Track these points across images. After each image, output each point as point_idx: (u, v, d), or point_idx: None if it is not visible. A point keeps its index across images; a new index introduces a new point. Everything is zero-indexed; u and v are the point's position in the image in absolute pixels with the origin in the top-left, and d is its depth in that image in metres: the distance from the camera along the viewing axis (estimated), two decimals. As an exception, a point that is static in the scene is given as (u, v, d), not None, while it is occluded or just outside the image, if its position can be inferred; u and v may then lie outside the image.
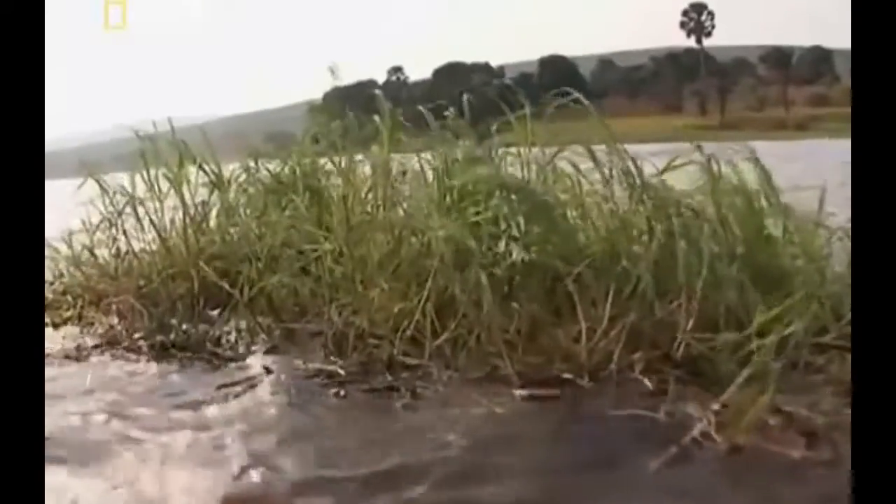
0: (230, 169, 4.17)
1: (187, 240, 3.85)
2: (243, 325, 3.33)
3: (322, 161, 3.94)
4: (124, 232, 3.97)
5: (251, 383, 2.69)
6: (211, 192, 4.04)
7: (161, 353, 3.17)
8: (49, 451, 1.81)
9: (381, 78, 61.02)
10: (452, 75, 53.91)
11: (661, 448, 1.86)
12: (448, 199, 3.09)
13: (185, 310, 3.54)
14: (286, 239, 3.53)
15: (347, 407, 2.45)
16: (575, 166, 3.11)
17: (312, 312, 3.25)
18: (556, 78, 53.05)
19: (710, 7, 65.21)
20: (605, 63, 66.30)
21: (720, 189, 2.77)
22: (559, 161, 3.15)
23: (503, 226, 2.94)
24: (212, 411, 2.42)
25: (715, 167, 2.85)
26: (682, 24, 65.48)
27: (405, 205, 3.33)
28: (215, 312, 3.52)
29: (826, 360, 2.34)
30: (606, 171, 2.84)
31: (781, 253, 2.85)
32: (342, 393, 2.55)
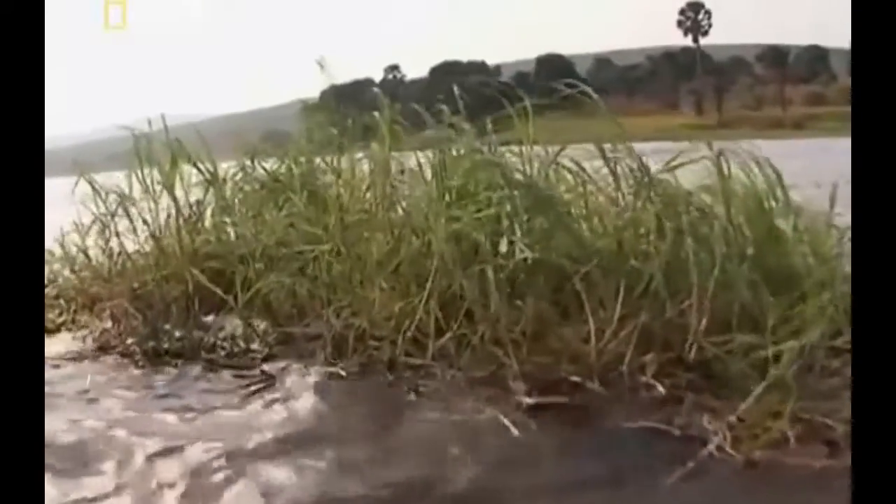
0: (226, 167, 4.10)
1: (181, 240, 3.76)
2: (239, 331, 3.25)
3: (318, 160, 3.88)
4: (117, 233, 3.88)
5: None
6: (206, 191, 3.97)
7: (154, 359, 3.10)
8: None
9: (377, 76, 60.94)
10: (449, 74, 53.81)
11: (674, 464, 1.78)
12: (448, 196, 3.02)
13: (179, 313, 3.46)
14: (282, 238, 3.46)
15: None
16: (578, 164, 3.04)
17: (312, 315, 3.18)
18: (552, 77, 52.93)
19: (707, 6, 65.26)
20: (602, 62, 66.29)
21: (729, 188, 2.69)
22: (560, 159, 3.09)
23: (505, 223, 2.87)
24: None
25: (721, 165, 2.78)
26: (679, 23, 65.50)
27: (404, 203, 3.26)
28: (210, 318, 3.43)
29: (842, 363, 2.27)
30: (613, 169, 2.75)
31: (792, 252, 2.79)
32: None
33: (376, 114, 3.40)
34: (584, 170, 3.01)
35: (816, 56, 64.32)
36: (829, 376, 2.21)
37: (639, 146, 2.96)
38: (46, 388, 2.37)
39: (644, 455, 1.87)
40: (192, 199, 3.98)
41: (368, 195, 3.43)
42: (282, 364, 2.94)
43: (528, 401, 2.13)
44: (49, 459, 1.97)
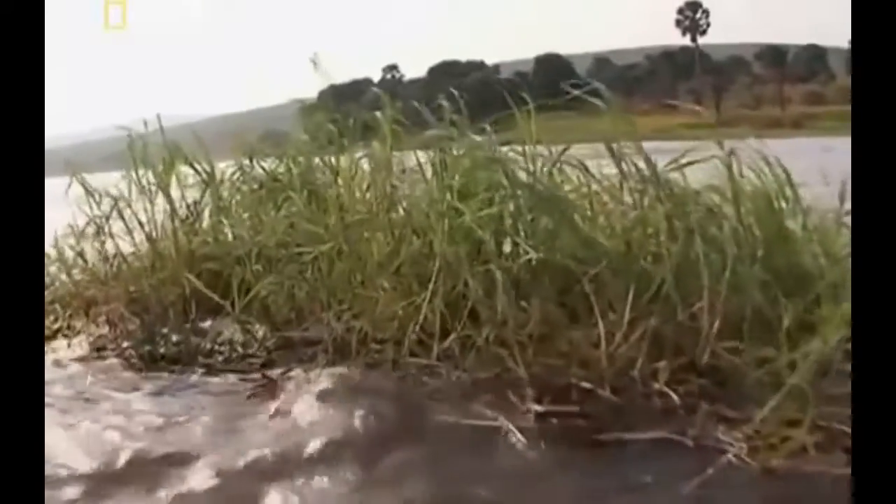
0: (224, 167, 4.04)
1: (177, 241, 3.69)
2: (237, 336, 3.19)
3: (317, 160, 3.82)
4: (111, 235, 3.80)
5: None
6: (203, 192, 3.90)
7: (151, 364, 3.04)
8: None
9: (376, 76, 60.91)
10: (448, 74, 53.78)
11: (690, 477, 1.72)
12: (449, 196, 2.96)
13: (176, 316, 3.39)
14: (281, 239, 3.40)
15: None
16: (582, 163, 2.98)
17: (311, 319, 3.12)
18: (551, 76, 53.03)
19: (705, 5, 65.32)
20: (601, 61, 66.35)
21: (739, 187, 2.63)
22: (563, 158, 3.02)
23: (508, 222, 2.81)
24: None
25: (728, 165, 2.71)
26: (678, 23, 65.58)
27: (404, 203, 3.20)
28: (207, 324, 3.37)
29: (857, 367, 2.20)
30: (621, 167, 2.68)
31: (802, 253, 2.72)
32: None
33: (378, 113, 3.34)
34: (587, 169, 2.95)
35: (815, 55, 64.47)
36: (846, 381, 2.15)
37: (637, 145, 2.90)
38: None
39: (657, 468, 1.80)
40: (190, 200, 3.92)
41: (369, 195, 3.37)
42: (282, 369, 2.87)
43: (538, 408, 2.05)
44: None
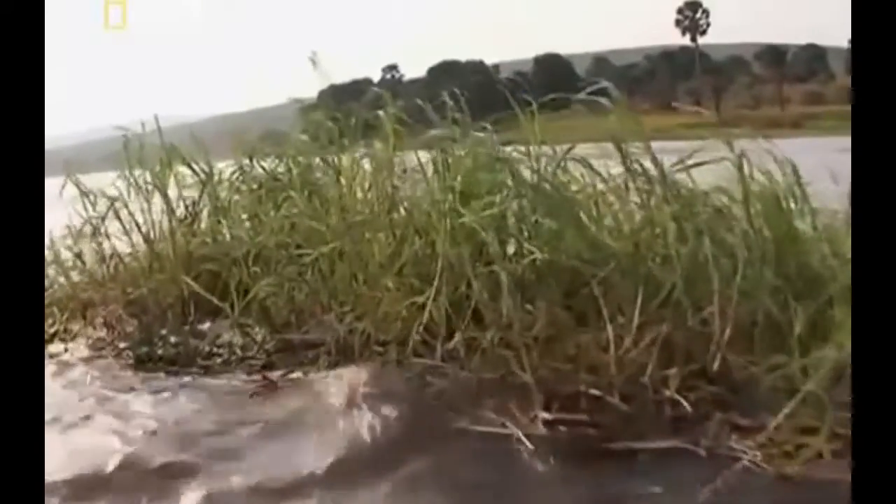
0: (223, 167, 3.99)
1: (174, 242, 3.64)
2: (237, 339, 3.14)
3: (317, 160, 3.77)
4: (107, 235, 3.75)
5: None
6: (201, 192, 3.85)
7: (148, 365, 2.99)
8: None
9: (375, 76, 60.82)
10: (447, 74, 53.71)
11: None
12: (451, 196, 2.92)
13: (174, 318, 3.34)
14: (281, 240, 3.36)
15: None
16: (587, 163, 2.93)
17: (312, 321, 3.07)
18: (550, 76, 53.02)
19: (705, 5, 65.26)
20: (601, 61, 66.25)
21: (749, 188, 2.57)
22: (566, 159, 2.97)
23: (512, 222, 2.77)
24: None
25: (738, 166, 2.66)
26: (678, 23, 65.51)
27: (406, 203, 3.15)
28: (206, 326, 3.32)
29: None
30: (630, 167, 2.63)
31: (811, 254, 2.67)
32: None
33: (381, 112, 3.29)
34: (591, 167, 2.90)
35: (814, 55, 64.42)
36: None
37: (638, 146, 2.85)
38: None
39: (670, 478, 1.75)
40: (188, 200, 3.86)
41: (370, 195, 3.32)
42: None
43: (546, 416, 1.99)
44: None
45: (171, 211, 3.78)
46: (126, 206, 3.76)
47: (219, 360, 3.04)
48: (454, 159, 3.04)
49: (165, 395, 2.71)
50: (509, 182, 2.86)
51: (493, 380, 2.24)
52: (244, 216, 3.76)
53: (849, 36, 1.56)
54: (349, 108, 3.66)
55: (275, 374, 2.80)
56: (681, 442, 1.88)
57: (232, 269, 3.30)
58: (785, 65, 63.74)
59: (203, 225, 3.84)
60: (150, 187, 3.79)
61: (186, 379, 2.87)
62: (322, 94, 4.65)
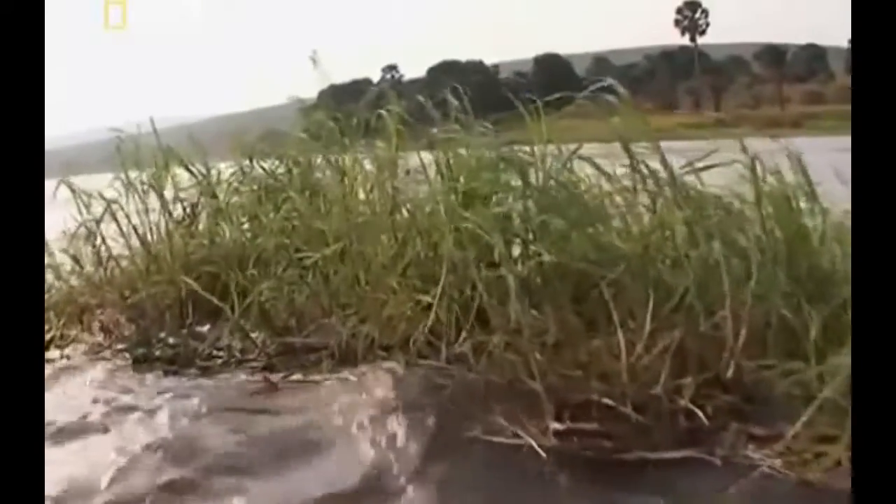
0: (222, 168, 3.94)
1: (172, 245, 3.58)
2: (237, 343, 3.09)
3: (318, 160, 3.73)
4: (103, 239, 3.69)
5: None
6: (199, 194, 3.80)
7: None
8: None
9: (376, 76, 60.76)
10: (447, 74, 53.67)
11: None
12: (455, 196, 2.87)
13: (173, 321, 3.29)
14: (281, 242, 3.31)
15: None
16: (593, 163, 2.87)
17: (313, 324, 3.02)
18: (550, 76, 52.98)
19: (704, 5, 65.22)
20: (600, 61, 66.14)
21: (761, 190, 2.52)
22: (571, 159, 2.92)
23: (517, 223, 2.72)
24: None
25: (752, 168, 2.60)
26: (677, 23, 65.48)
27: (408, 205, 3.10)
28: (206, 328, 3.26)
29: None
30: (638, 168, 2.57)
31: (823, 256, 2.62)
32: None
33: (384, 112, 3.24)
34: (598, 167, 2.85)
35: (814, 55, 64.37)
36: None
37: (643, 146, 2.80)
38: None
39: (686, 489, 1.69)
40: (186, 202, 3.81)
41: (372, 195, 3.27)
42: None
43: (558, 426, 1.93)
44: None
45: (168, 213, 3.72)
46: (122, 208, 3.70)
47: (219, 361, 2.99)
48: (457, 159, 3.00)
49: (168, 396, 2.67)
50: (513, 182, 2.82)
51: (500, 386, 2.17)
52: (244, 218, 3.71)
53: (849, 36, 1.57)
54: (351, 108, 3.62)
55: (276, 377, 2.76)
56: (697, 452, 1.82)
57: (229, 273, 3.25)
58: (785, 65, 63.70)
59: (201, 227, 3.78)
60: (146, 188, 3.74)
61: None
62: (322, 94, 4.62)
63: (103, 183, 3.87)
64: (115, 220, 3.66)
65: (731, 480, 1.70)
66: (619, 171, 2.75)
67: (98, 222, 3.67)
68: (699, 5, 65.07)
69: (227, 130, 4.55)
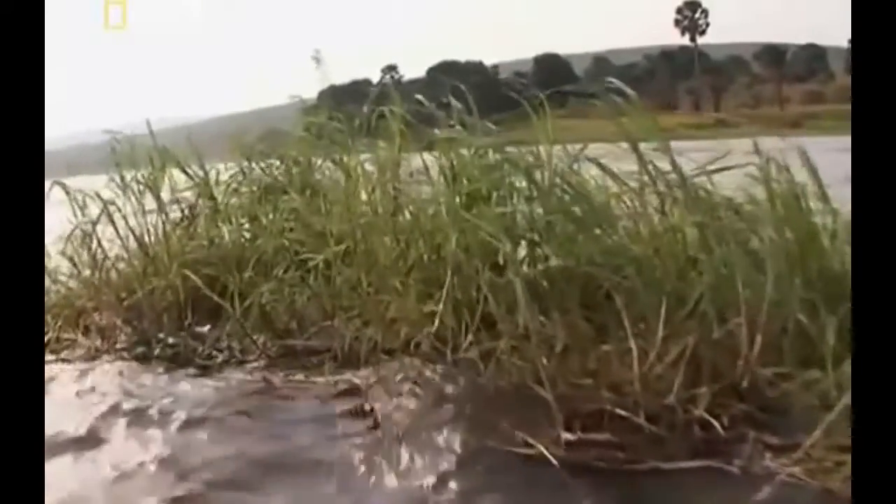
0: (221, 168, 3.89)
1: (169, 247, 3.53)
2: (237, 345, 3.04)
3: (319, 160, 3.69)
4: (98, 242, 3.64)
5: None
6: (198, 196, 3.75)
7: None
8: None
9: (375, 76, 60.80)
10: (447, 74, 53.65)
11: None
12: (459, 198, 2.82)
13: (171, 322, 3.24)
14: (280, 243, 3.26)
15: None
16: (598, 163, 2.82)
17: (314, 327, 2.97)
18: (550, 76, 52.97)
19: (704, 5, 65.27)
20: (600, 61, 66.15)
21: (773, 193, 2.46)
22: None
23: (522, 225, 2.67)
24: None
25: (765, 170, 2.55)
26: (677, 22, 65.56)
27: (411, 207, 3.05)
28: (205, 329, 3.21)
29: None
30: (648, 170, 2.52)
31: (833, 257, 2.57)
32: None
33: (386, 112, 3.20)
34: (603, 168, 2.80)
35: (814, 55, 64.42)
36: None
37: (645, 147, 2.75)
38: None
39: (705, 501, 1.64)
40: (184, 203, 3.77)
41: (374, 196, 3.23)
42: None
43: (569, 437, 1.87)
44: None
45: (164, 214, 3.67)
46: (119, 209, 3.65)
47: (219, 359, 2.95)
48: (460, 160, 2.95)
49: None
50: (517, 184, 2.77)
51: (509, 394, 2.12)
52: (243, 219, 3.66)
53: (849, 36, 1.59)
54: (352, 108, 3.58)
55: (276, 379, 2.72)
56: (714, 462, 1.77)
57: (227, 276, 3.21)
58: (784, 64, 63.74)
59: (199, 229, 3.74)
60: (142, 189, 3.69)
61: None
62: (322, 94, 4.59)
63: (100, 184, 3.82)
64: (112, 221, 3.61)
65: (749, 492, 1.65)
66: (625, 172, 2.70)
67: (94, 224, 3.62)
68: (699, 5, 65.16)
69: (228, 131, 4.50)
